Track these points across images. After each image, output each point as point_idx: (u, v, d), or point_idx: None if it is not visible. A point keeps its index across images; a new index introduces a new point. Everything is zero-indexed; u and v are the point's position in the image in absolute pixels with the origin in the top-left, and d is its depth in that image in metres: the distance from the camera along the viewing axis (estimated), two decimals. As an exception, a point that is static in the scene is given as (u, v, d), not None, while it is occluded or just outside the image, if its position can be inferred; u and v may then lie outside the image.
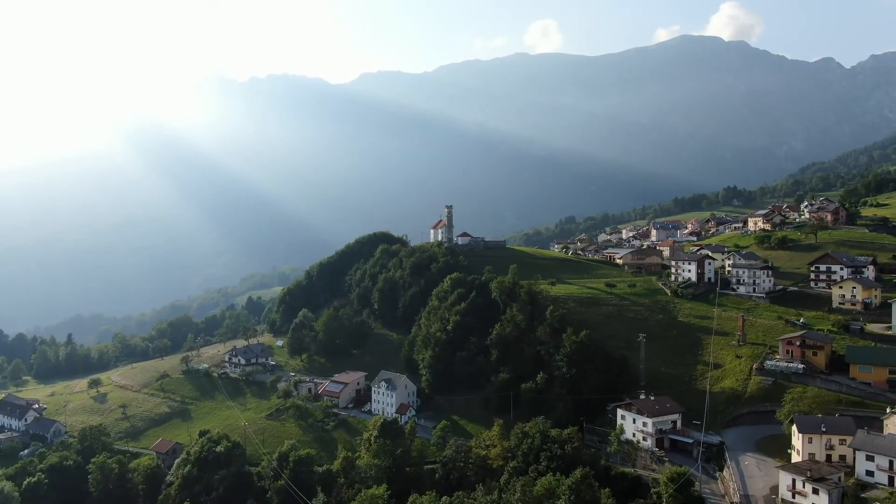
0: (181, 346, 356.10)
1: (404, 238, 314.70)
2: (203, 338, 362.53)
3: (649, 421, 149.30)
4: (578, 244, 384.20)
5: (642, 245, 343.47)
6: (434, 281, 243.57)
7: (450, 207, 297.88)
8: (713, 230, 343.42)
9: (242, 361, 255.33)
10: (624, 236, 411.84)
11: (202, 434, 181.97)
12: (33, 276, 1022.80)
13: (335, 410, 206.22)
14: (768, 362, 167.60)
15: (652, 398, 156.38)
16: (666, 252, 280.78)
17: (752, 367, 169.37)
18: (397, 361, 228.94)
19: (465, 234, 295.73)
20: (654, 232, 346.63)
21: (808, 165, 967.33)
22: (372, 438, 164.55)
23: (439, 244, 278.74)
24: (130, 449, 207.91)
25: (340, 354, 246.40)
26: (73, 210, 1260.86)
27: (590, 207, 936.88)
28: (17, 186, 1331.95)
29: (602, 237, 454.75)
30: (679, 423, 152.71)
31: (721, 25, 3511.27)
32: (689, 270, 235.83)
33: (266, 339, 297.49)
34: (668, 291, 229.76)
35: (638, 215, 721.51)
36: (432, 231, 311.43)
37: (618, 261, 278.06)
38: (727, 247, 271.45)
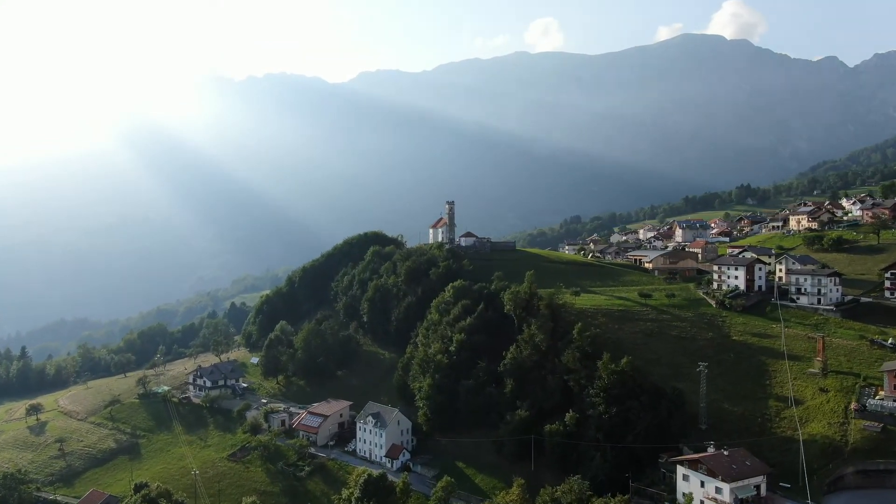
0: (149, 359, 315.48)
1: (399, 238, 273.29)
2: (177, 350, 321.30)
3: (725, 487, 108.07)
4: (592, 246, 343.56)
5: (666, 246, 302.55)
6: (433, 289, 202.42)
7: (451, 204, 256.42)
8: (747, 229, 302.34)
9: (208, 384, 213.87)
10: (641, 236, 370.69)
11: (138, 489, 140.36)
12: (22, 277, 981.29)
13: (312, 450, 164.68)
14: (870, 401, 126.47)
15: (725, 452, 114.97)
16: (698, 254, 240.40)
17: (847, 407, 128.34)
18: (389, 386, 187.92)
19: (468, 234, 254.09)
20: (679, 231, 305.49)
21: (820, 164, 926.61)
22: (353, 500, 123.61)
23: (439, 246, 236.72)
24: (59, 499, 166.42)
25: (322, 376, 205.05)
26: (65, 210, 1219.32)
27: (592, 207, 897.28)
28: (10, 187, 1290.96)
29: (615, 237, 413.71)
30: (764, 489, 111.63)
31: (723, 24, 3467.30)
32: (737, 277, 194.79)
33: (241, 354, 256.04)
34: (711, 302, 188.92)
35: (647, 215, 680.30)
36: (431, 231, 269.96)
37: (646, 265, 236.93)
38: (771, 249, 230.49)
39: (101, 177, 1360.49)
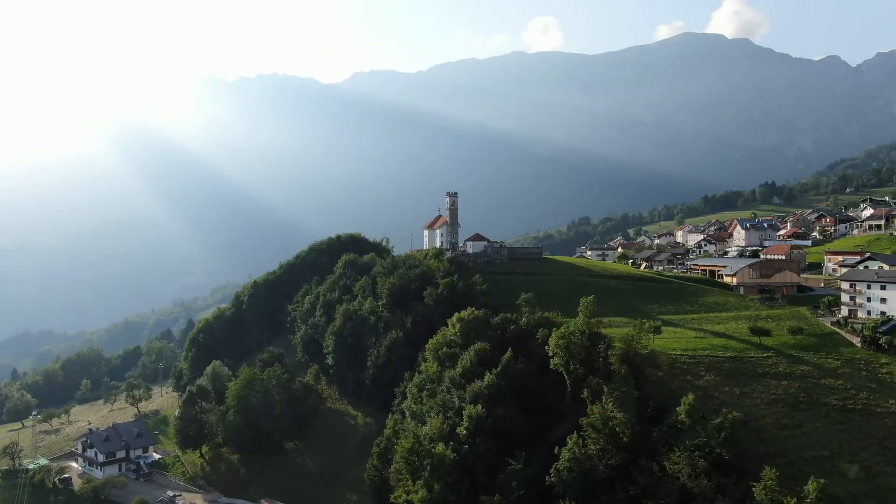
0: (72, 396, 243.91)
1: (382, 243, 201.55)
2: (108, 384, 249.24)
3: None
4: (621, 250, 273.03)
5: (725, 251, 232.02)
6: (429, 320, 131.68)
7: (453, 196, 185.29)
8: (832, 230, 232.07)
9: (100, 458, 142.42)
10: (680, 238, 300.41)
11: None
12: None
13: None
14: None
15: None
16: (797, 264, 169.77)
17: None
18: (361, 475, 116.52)
19: (478, 237, 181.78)
20: (741, 233, 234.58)
21: (837, 162, 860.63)
22: None
23: (438, 253, 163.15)
24: None
25: (265, 449, 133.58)
26: (47, 214, 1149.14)
27: (594, 209, 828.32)
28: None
29: (642, 239, 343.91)
30: None
31: (724, 23, 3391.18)
32: (884, 300, 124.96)
33: (168, 402, 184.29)
34: (852, 339, 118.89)
35: (662, 216, 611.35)
36: (426, 233, 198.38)
37: (726, 279, 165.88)
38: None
39: (87, 179, 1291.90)
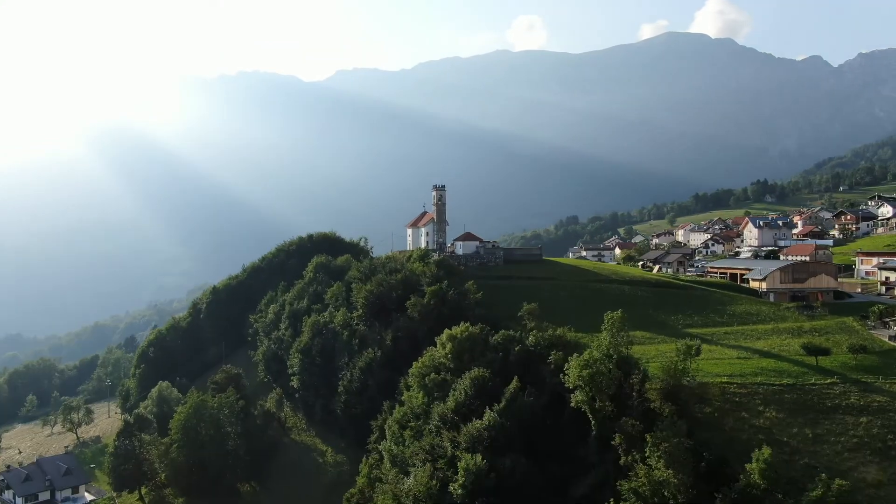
0: (17, 413, 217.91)
1: (360, 244, 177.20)
2: (57, 399, 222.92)
3: None
4: (619, 251, 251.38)
5: (736, 251, 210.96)
6: (413, 337, 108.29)
7: (441, 189, 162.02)
8: (854, 229, 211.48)
9: (18, 502, 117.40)
10: (682, 238, 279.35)
11: None
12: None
13: None
14: None
15: None
16: (833, 267, 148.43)
17: None
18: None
19: (468, 237, 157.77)
20: (753, 231, 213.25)
21: (825, 161, 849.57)
22: None
23: (423, 256, 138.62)
24: None
25: (215, 492, 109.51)
26: (22, 215, 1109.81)
27: (578, 207, 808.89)
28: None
29: (638, 239, 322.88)
30: None
31: (707, 22, 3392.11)
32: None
33: (114, 425, 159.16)
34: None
35: (653, 215, 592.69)
36: (410, 231, 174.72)
37: (754, 284, 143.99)
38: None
39: (65, 179, 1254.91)
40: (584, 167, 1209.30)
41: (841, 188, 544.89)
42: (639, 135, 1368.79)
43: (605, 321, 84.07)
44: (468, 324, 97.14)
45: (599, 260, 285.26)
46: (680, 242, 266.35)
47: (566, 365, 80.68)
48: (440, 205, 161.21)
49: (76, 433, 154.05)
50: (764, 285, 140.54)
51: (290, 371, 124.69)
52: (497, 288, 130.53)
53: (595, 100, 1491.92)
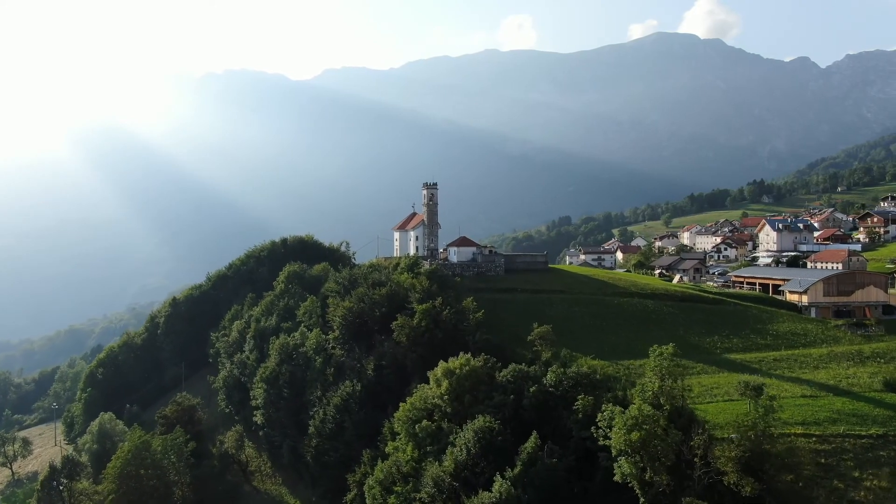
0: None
1: (341, 249, 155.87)
2: (9, 418, 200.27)
3: None
4: (621, 256, 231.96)
5: (753, 257, 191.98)
6: (400, 367, 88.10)
7: (432, 188, 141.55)
8: (881, 232, 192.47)
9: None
10: (688, 241, 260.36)
11: None
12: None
13: None
14: None
15: None
16: (883, 278, 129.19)
17: None
18: None
19: (464, 242, 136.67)
20: (771, 234, 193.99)
21: (817, 161, 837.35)
22: None
23: (413, 264, 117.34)
24: None
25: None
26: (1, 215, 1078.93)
27: (569, 208, 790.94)
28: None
29: (641, 243, 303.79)
30: None
31: (696, 22, 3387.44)
32: None
33: (56, 454, 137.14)
34: None
35: (647, 215, 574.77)
36: (397, 235, 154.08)
37: (790, 297, 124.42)
38: None
39: (45, 178, 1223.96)
40: (575, 167, 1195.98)
41: (839, 189, 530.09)
42: (629, 135, 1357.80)
43: (652, 358, 64.00)
44: (468, 355, 76.80)
45: (600, 264, 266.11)
46: (686, 246, 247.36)
47: (599, 415, 60.73)
48: (431, 205, 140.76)
49: (11, 468, 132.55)
50: (804, 299, 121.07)
51: (253, 403, 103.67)
52: (499, 303, 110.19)
53: (585, 100, 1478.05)
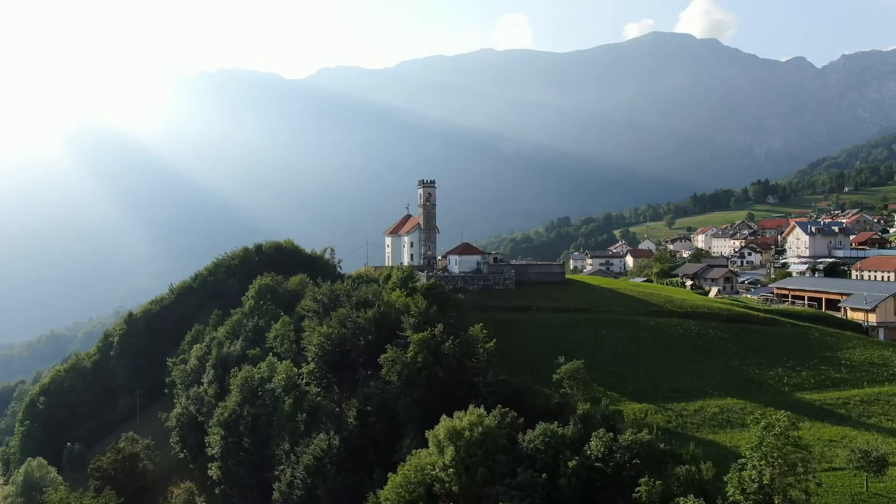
0: None
1: (325, 257, 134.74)
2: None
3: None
4: (645, 259, 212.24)
5: (783, 263, 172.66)
6: (390, 414, 67.77)
7: (429, 186, 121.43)
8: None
9: None
10: (702, 244, 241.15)
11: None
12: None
13: None
14: None
15: None
16: None
17: None
18: None
19: (468, 249, 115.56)
20: (801, 238, 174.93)
21: (818, 161, 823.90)
22: None
23: (406, 278, 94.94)
24: None
25: None
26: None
27: (564, 208, 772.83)
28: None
29: (650, 246, 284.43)
30: None
31: (692, 22, 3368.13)
32: None
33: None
34: None
35: (648, 216, 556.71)
36: (389, 241, 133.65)
37: (851, 314, 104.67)
38: None
39: (33, 178, 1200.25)
40: (570, 167, 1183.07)
41: (846, 189, 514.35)
42: (625, 135, 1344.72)
43: (756, 431, 43.96)
44: (480, 409, 56.72)
45: (608, 270, 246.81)
46: (701, 249, 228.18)
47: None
48: (428, 206, 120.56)
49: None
50: (871, 317, 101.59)
51: (208, 452, 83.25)
52: (512, 326, 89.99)
53: (581, 99, 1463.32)
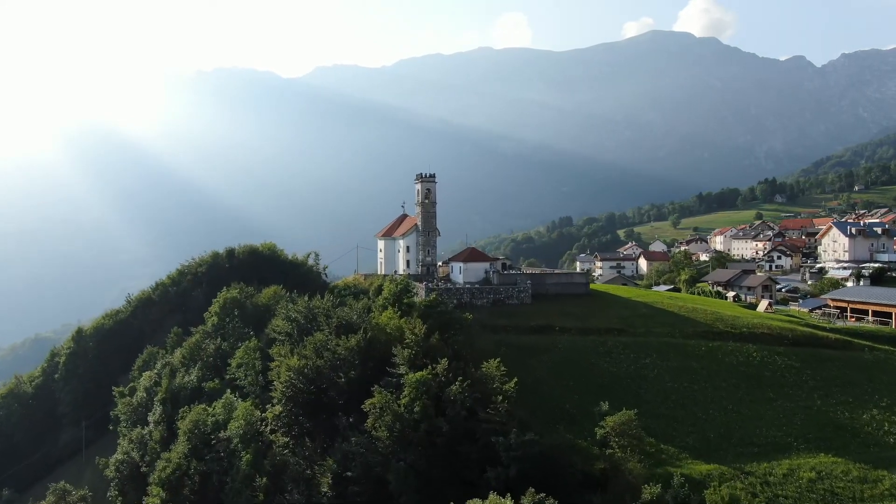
0: None
1: (309, 263, 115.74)
2: None
3: None
4: (661, 263, 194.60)
5: (821, 268, 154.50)
6: (377, 484, 49.53)
7: (428, 182, 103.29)
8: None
9: None
10: (721, 245, 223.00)
11: None
12: None
13: None
14: None
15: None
16: None
17: None
18: None
19: (474, 255, 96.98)
20: (840, 240, 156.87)
21: (823, 160, 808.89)
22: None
23: (401, 292, 76.39)
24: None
25: None
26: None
27: (564, 208, 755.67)
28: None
29: (660, 247, 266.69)
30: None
31: (691, 21, 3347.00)
32: None
33: None
34: None
35: (653, 216, 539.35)
36: (382, 244, 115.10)
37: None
38: None
39: (28, 177, 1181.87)
40: (569, 167, 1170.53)
41: (856, 188, 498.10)
42: (624, 134, 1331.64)
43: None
44: (508, 501, 38.18)
45: (619, 273, 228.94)
46: (720, 252, 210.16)
47: None
48: (427, 204, 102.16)
49: None
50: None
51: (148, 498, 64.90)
52: (531, 353, 71.44)
53: (580, 98, 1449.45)
